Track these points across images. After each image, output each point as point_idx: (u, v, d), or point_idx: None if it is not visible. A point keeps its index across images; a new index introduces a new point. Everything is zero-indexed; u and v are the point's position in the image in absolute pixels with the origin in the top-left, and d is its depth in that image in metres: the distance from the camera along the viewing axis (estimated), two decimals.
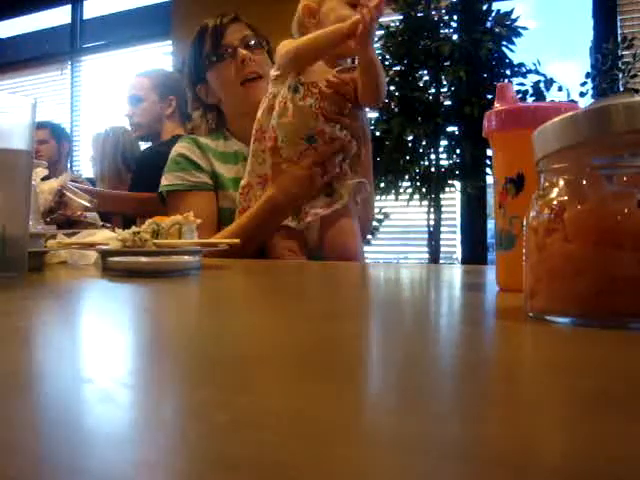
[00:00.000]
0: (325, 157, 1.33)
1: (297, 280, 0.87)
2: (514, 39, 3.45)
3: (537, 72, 3.44)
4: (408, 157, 3.53)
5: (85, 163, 5.39)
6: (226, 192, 1.49)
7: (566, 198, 0.40)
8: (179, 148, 1.55)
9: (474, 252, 3.98)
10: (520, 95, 3.30)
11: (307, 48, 1.30)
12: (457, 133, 3.54)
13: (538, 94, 3.37)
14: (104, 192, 2.45)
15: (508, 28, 3.44)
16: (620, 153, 0.38)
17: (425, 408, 0.22)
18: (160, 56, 5.33)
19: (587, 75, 3.48)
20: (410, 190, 3.56)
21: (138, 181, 2.51)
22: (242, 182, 1.39)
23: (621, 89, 3.41)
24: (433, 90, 3.54)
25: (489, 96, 3.19)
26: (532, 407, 0.23)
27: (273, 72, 1.37)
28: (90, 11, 5.85)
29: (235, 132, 1.59)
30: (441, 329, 0.44)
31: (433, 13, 3.53)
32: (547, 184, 0.41)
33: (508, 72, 3.45)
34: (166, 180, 1.54)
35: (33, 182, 0.85)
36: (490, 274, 0.81)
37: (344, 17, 1.30)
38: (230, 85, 1.53)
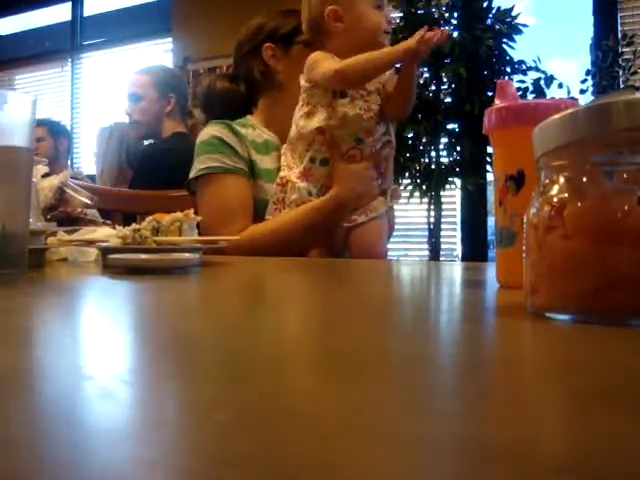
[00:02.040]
0: (380, 159, 1.36)
1: (298, 277, 0.87)
2: (514, 36, 3.45)
3: (537, 69, 3.44)
4: (408, 154, 3.52)
5: (85, 160, 5.40)
6: (258, 182, 1.44)
7: (566, 195, 0.40)
8: (212, 131, 1.46)
9: (474, 249, 3.98)
10: (520, 92, 3.30)
11: (357, 70, 1.27)
12: (457, 130, 3.54)
13: (538, 91, 3.37)
14: (105, 189, 2.46)
15: (508, 25, 3.43)
16: (620, 150, 0.38)
17: (425, 406, 0.22)
18: (160, 53, 5.34)
19: (587, 72, 3.48)
20: (410, 187, 3.55)
21: (138, 178, 2.52)
22: (280, 174, 1.36)
23: (621, 86, 3.41)
24: (433, 87, 3.53)
25: (489, 93, 3.20)
26: (532, 404, 0.23)
27: (305, 83, 1.34)
28: (90, 8, 5.85)
29: (267, 119, 1.54)
30: (442, 326, 0.44)
31: (433, 10, 3.53)
32: (547, 181, 0.41)
33: (508, 69, 3.45)
34: (200, 163, 1.44)
35: (33, 179, 0.85)
36: (490, 271, 0.81)
37: (379, 23, 1.31)
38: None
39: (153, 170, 2.40)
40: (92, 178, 3.08)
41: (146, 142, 2.77)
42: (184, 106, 2.65)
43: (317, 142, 1.31)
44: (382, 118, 1.33)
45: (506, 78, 3.16)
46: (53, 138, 3.36)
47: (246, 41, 1.56)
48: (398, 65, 1.33)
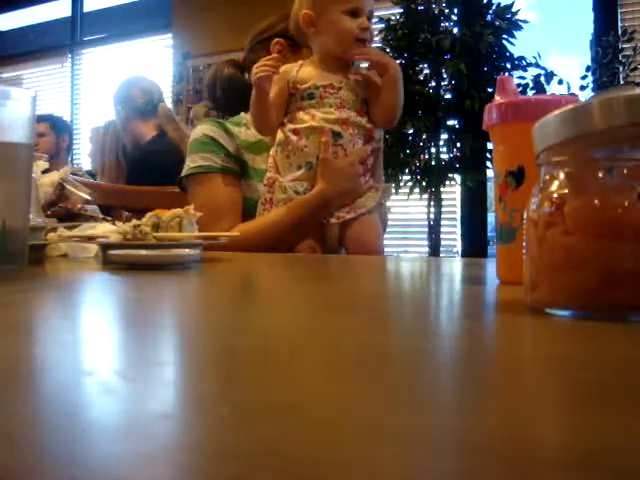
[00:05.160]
0: (366, 154, 1.35)
1: (298, 273, 0.87)
2: (514, 32, 3.45)
3: (537, 65, 3.44)
4: (408, 151, 3.52)
5: (85, 156, 5.41)
6: (250, 182, 1.45)
7: (566, 191, 0.40)
8: (204, 130, 1.47)
9: (474, 245, 3.99)
10: (520, 88, 3.30)
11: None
12: (457, 126, 3.54)
13: (538, 87, 3.37)
14: (105, 185, 2.48)
15: (509, 21, 3.43)
16: (620, 146, 0.38)
17: (425, 401, 0.22)
18: (161, 49, 5.33)
19: (587, 68, 3.48)
20: (410, 184, 3.56)
21: (131, 179, 2.60)
22: (267, 174, 1.37)
23: (621, 82, 3.41)
24: (433, 83, 3.53)
25: (489, 89, 3.20)
26: (532, 400, 0.23)
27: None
28: (90, 4, 5.84)
29: None
30: (442, 322, 0.44)
31: (433, 6, 3.52)
32: (547, 177, 0.41)
33: (508, 65, 3.45)
34: (192, 162, 1.46)
35: (34, 175, 0.85)
36: (490, 267, 0.81)
37: (348, 30, 1.30)
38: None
39: (144, 171, 2.48)
40: (91, 174, 3.08)
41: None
42: (135, 108, 2.72)
43: (295, 149, 1.32)
44: (362, 111, 1.34)
45: (506, 74, 3.16)
46: (55, 134, 3.37)
47: (259, 33, 1.58)
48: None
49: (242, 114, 1.54)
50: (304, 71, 1.35)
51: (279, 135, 1.36)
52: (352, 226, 1.33)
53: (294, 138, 1.31)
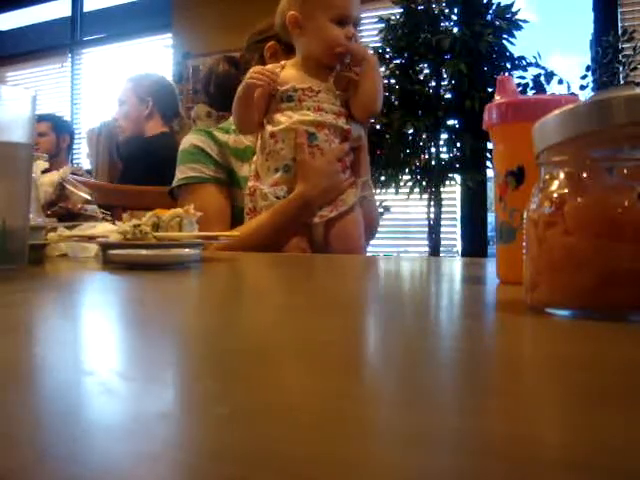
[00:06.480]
0: (344, 152, 1.35)
1: (298, 273, 0.87)
2: (515, 32, 3.45)
3: (537, 65, 3.44)
4: (408, 150, 3.52)
5: (85, 156, 5.41)
6: (238, 190, 1.46)
7: (566, 191, 0.40)
8: (192, 140, 1.50)
9: (474, 245, 3.99)
10: (520, 88, 3.30)
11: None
12: (457, 126, 3.54)
13: (538, 87, 3.37)
14: (106, 185, 2.49)
15: (509, 21, 3.43)
16: (620, 146, 0.38)
17: (425, 401, 0.22)
18: (161, 49, 5.33)
19: (587, 68, 3.48)
20: (410, 183, 3.56)
21: (127, 173, 2.61)
22: (249, 184, 1.38)
23: (621, 82, 3.41)
24: (433, 83, 3.53)
25: (489, 89, 3.20)
26: (532, 400, 0.23)
27: None
28: (90, 3, 5.84)
29: None
30: (442, 322, 0.44)
31: (433, 6, 3.52)
32: (547, 177, 0.41)
33: (509, 65, 3.45)
34: (181, 173, 1.49)
35: (34, 175, 0.85)
36: (490, 267, 0.81)
37: (334, 38, 1.31)
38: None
39: (140, 165, 2.49)
40: (91, 174, 3.10)
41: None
42: (165, 110, 2.73)
43: (272, 151, 1.32)
44: (340, 113, 1.34)
45: (506, 74, 3.16)
46: (56, 134, 3.37)
47: (256, 33, 1.59)
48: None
49: (231, 119, 1.54)
50: (286, 73, 1.35)
51: (259, 140, 1.37)
52: (335, 225, 1.34)
53: (271, 141, 1.32)
